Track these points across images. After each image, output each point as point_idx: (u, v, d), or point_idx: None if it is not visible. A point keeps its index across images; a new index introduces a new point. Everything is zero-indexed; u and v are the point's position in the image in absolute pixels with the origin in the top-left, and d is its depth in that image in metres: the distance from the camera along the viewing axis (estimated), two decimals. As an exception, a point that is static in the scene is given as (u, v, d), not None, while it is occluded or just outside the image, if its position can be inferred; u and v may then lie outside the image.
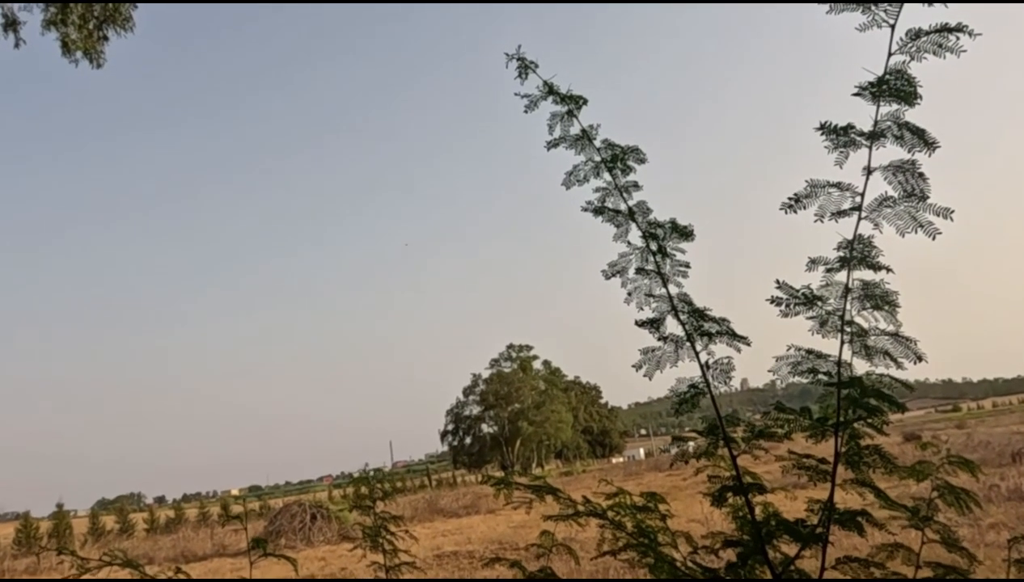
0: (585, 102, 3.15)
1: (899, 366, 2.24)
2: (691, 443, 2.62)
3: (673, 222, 2.83)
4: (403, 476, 78.87)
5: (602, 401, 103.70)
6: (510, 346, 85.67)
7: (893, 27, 1.95)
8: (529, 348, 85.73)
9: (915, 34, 1.95)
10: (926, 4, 1.86)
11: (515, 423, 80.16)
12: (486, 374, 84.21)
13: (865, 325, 2.29)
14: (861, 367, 2.32)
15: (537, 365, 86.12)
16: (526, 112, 3.21)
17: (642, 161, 3.01)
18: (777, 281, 2.14)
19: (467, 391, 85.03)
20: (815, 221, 2.08)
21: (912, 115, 2.00)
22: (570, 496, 2.88)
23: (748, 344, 2.44)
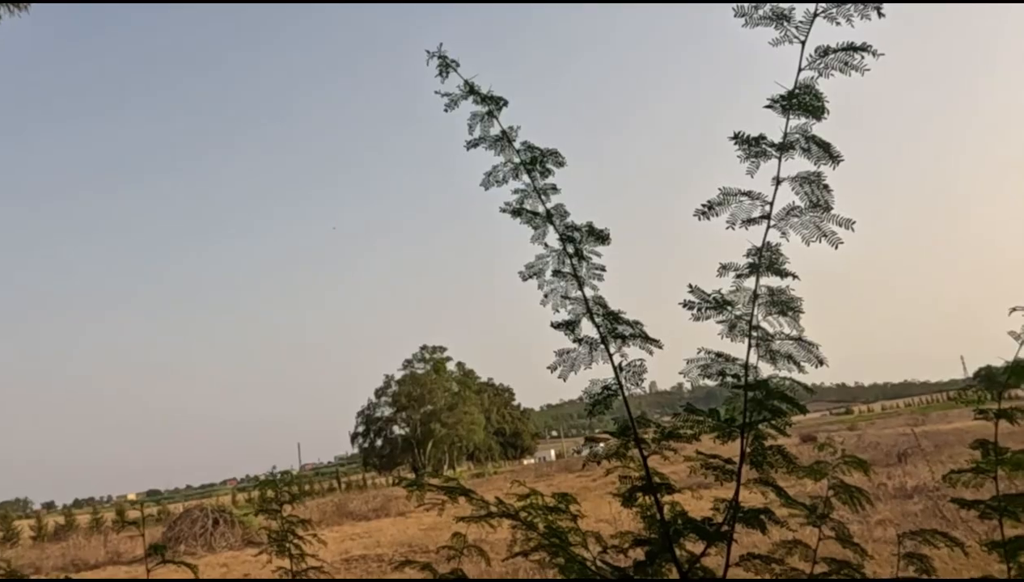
0: (505, 103, 3.14)
1: (801, 370, 2.33)
2: (602, 444, 2.66)
3: (590, 226, 2.86)
4: (311, 479, 77.10)
5: (515, 403, 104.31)
6: (424, 347, 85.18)
7: (803, 43, 2.04)
8: (443, 349, 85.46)
9: (823, 51, 2.03)
10: (833, 22, 1.95)
11: (427, 425, 79.69)
12: (399, 375, 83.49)
13: (770, 330, 2.38)
14: (766, 370, 2.41)
15: (451, 366, 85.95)
16: (446, 111, 3.18)
17: (561, 164, 3.03)
18: (690, 285, 2.19)
19: (379, 392, 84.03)
20: (727, 228, 2.15)
21: (821, 129, 2.10)
22: (483, 497, 2.88)
23: (660, 347, 2.49)
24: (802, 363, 2.27)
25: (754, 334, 2.32)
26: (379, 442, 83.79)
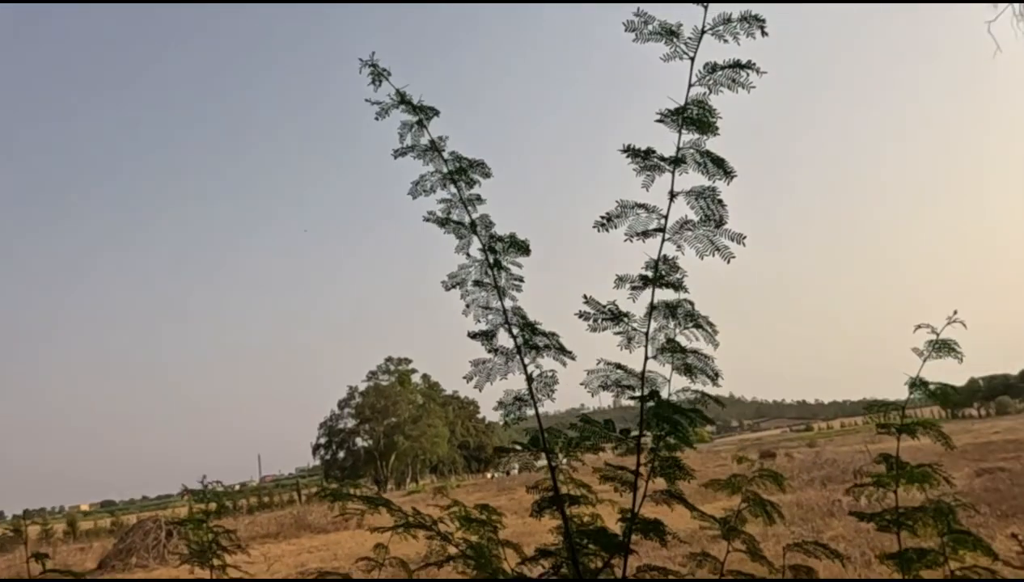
0: (436, 113, 3.15)
1: (714, 383, 2.35)
2: (512, 455, 2.65)
3: (512, 236, 2.87)
4: (271, 491, 75.96)
5: (479, 416, 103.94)
6: (389, 359, 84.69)
7: (692, 59, 2.07)
8: (408, 361, 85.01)
9: (712, 68, 2.07)
10: (721, 40, 1.99)
11: (391, 437, 79.07)
12: (363, 387, 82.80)
13: (686, 343, 2.40)
14: (680, 383, 2.42)
15: (416, 379, 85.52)
16: (377, 119, 3.18)
17: (487, 175, 3.05)
18: (585, 296, 2.21)
19: (342, 404, 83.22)
20: (625, 240, 2.17)
21: (716, 144, 2.12)
22: (401, 508, 2.86)
23: (573, 358, 2.51)
24: (710, 375, 2.30)
25: (665, 347, 2.34)
26: (341, 454, 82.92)
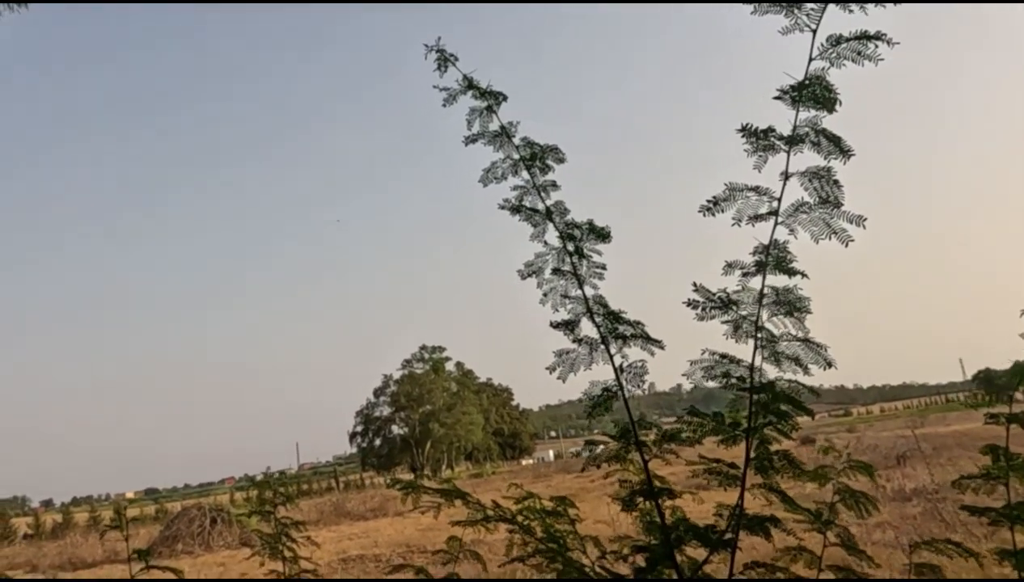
0: (505, 98, 3.08)
1: (807, 372, 2.26)
2: (601, 447, 2.58)
3: (591, 223, 2.79)
4: (310, 478, 77.02)
5: (513, 403, 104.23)
6: (423, 347, 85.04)
7: (815, 32, 1.97)
8: (442, 349, 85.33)
9: (835, 40, 1.96)
10: (846, 10, 1.88)
11: (426, 425, 79.56)
12: (397, 375, 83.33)
13: (776, 331, 2.31)
14: (771, 372, 2.34)
15: (450, 367, 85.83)
16: (444, 105, 3.12)
17: (561, 160, 2.97)
18: (694, 284, 2.12)
19: (378, 392, 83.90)
20: (733, 225, 2.08)
21: (831, 123, 2.02)
22: (479, 500, 2.81)
23: (662, 348, 2.43)
24: (809, 365, 2.20)
25: (759, 335, 2.25)
26: (378, 442, 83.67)
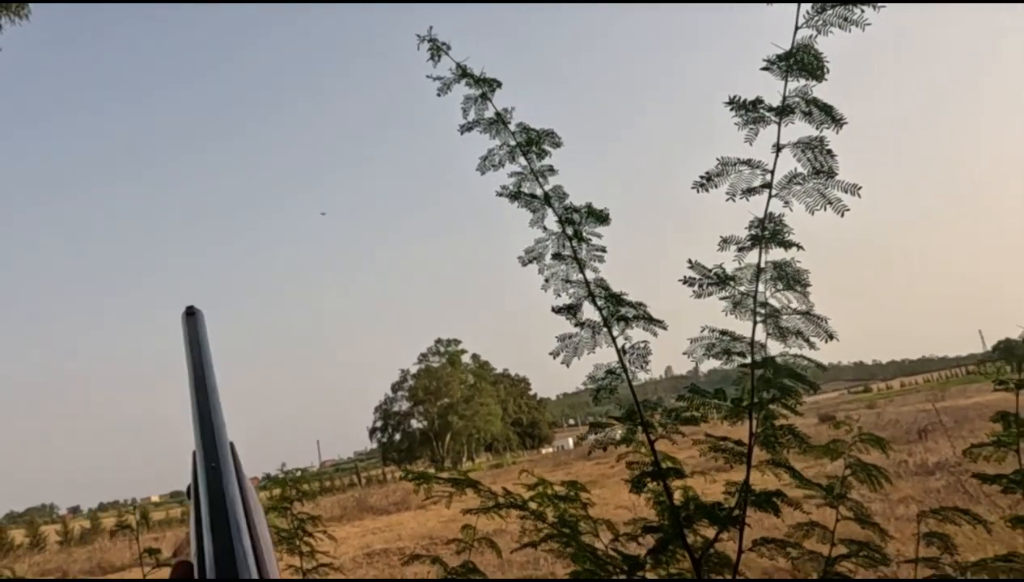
0: (499, 85, 3.07)
1: (812, 346, 2.24)
2: (608, 429, 2.58)
3: (589, 206, 2.78)
4: (331, 475, 77.61)
5: (531, 393, 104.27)
6: (438, 340, 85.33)
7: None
8: (457, 342, 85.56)
9: (821, 7, 1.94)
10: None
11: (445, 418, 79.93)
12: (414, 369, 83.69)
13: (778, 305, 2.29)
14: (775, 348, 2.32)
15: (465, 359, 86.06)
16: (439, 95, 3.11)
17: (557, 145, 2.96)
18: (690, 261, 2.11)
19: (396, 387, 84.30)
20: (727, 200, 2.06)
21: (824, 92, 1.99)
22: (490, 488, 2.82)
23: (664, 328, 2.42)
24: (812, 339, 2.19)
25: (760, 310, 2.23)
26: (397, 436, 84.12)
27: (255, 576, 0.46)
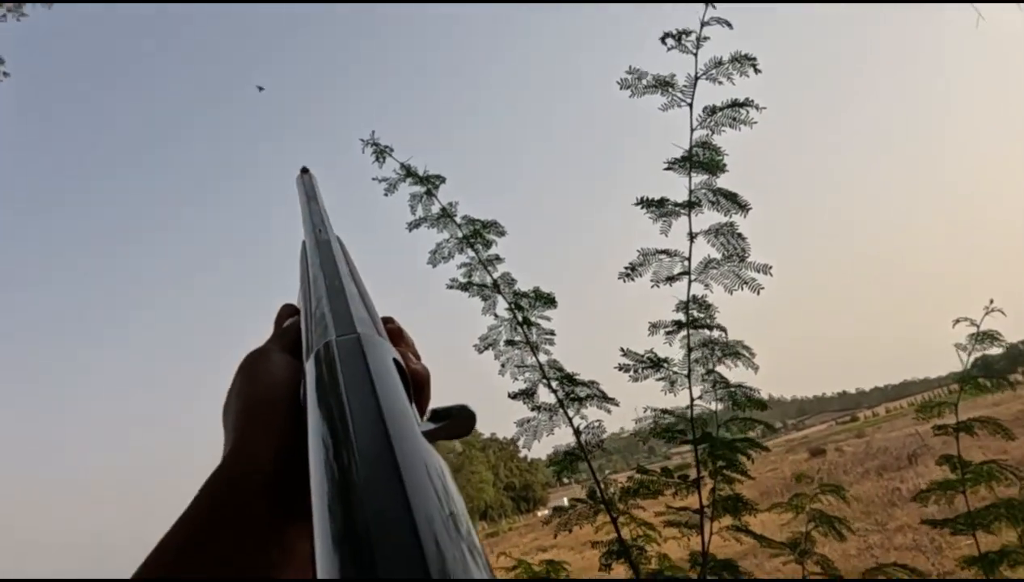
0: (443, 181, 3.20)
1: (762, 406, 2.34)
2: (570, 511, 2.63)
3: (537, 290, 2.89)
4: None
5: (521, 455, 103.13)
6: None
7: (691, 105, 2.10)
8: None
9: (711, 110, 2.09)
10: (715, 82, 2.01)
11: (436, 490, 78.59)
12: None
13: (726, 371, 2.39)
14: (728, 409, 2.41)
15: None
16: (386, 196, 3.24)
17: (502, 234, 3.08)
18: (622, 349, 2.21)
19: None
20: (652, 287, 2.17)
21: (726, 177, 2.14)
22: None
23: (617, 404, 2.50)
24: (752, 404, 2.28)
25: (708, 378, 2.33)
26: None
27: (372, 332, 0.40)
